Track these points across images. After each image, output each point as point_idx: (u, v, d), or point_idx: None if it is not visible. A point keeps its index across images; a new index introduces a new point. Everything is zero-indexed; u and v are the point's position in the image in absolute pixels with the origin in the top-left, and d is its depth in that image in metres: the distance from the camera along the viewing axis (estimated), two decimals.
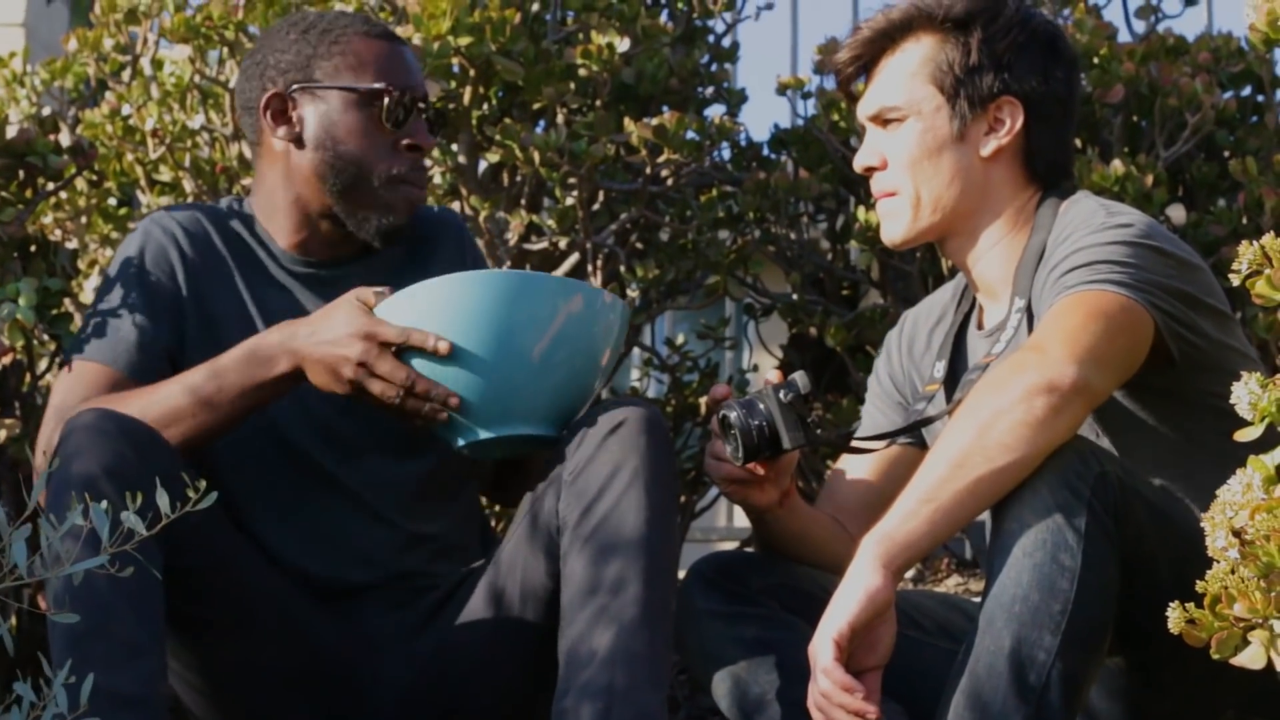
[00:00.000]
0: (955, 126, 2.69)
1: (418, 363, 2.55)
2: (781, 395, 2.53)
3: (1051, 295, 2.50)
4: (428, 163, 2.94)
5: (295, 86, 2.83)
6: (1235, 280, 1.81)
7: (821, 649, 2.31)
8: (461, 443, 2.61)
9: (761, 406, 2.54)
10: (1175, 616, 1.81)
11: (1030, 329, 2.57)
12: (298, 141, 2.84)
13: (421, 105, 2.85)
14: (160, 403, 2.62)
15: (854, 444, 2.79)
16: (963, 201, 2.70)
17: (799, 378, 2.55)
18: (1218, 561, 1.79)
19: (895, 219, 2.74)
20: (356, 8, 3.66)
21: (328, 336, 2.57)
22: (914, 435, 2.78)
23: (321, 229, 2.87)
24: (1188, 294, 2.53)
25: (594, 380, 2.64)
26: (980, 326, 2.77)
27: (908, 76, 2.72)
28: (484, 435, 2.58)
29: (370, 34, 2.85)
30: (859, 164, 2.77)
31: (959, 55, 2.69)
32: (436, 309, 2.55)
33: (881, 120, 2.75)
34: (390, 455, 2.83)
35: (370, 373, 2.55)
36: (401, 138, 2.82)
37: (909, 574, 4.11)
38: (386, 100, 2.80)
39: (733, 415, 2.54)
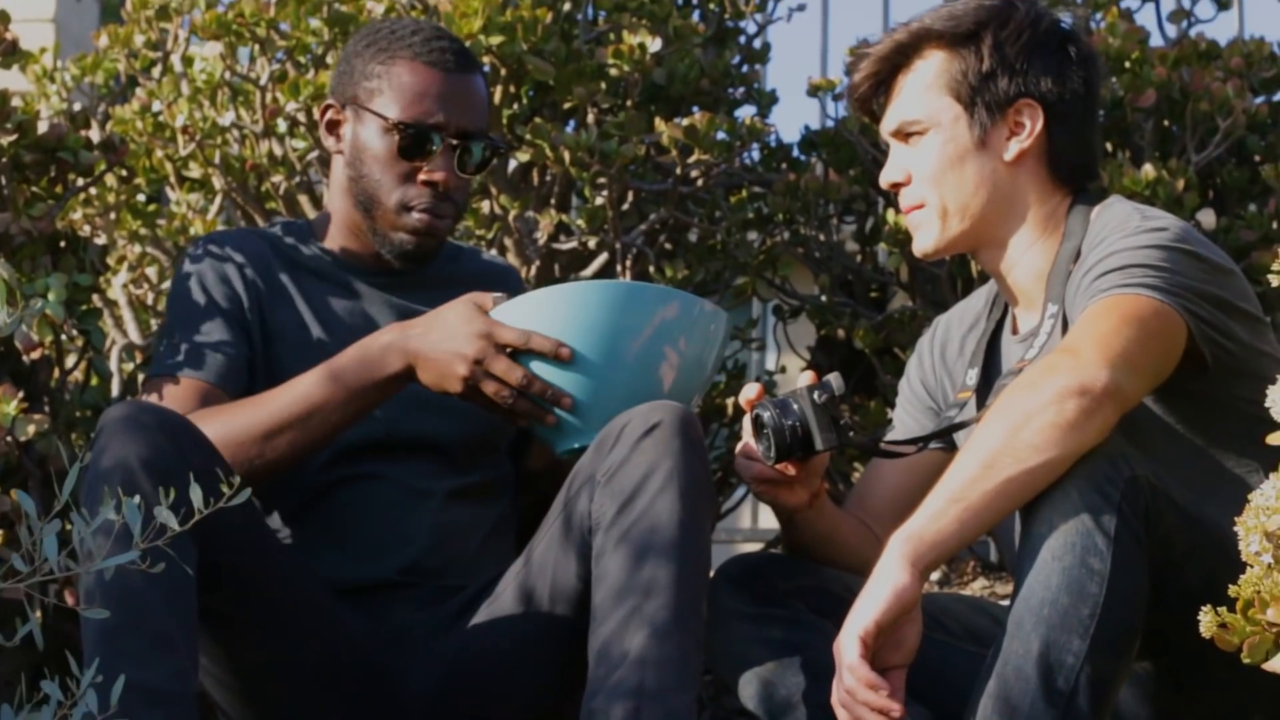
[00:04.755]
0: (976, 134, 2.69)
1: (530, 366, 2.58)
2: (815, 396, 2.53)
3: (1085, 298, 2.49)
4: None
5: (345, 101, 2.87)
6: (1275, 281, 1.81)
7: (847, 646, 2.30)
8: (566, 447, 2.64)
9: (795, 407, 2.54)
10: (1207, 620, 1.81)
11: (1064, 335, 2.56)
12: (341, 154, 2.88)
13: (454, 141, 2.83)
14: (272, 410, 2.64)
15: (884, 447, 2.78)
16: (990, 208, 2.70)
17: (833, 379, 2.55)
18: (1250, 566, 1.79)
19: (924, 230, 2.74)
20: (388, 7, 3.66)
21: (443, 335, 2.60)
22: (945, 440, 2.77)
23: (362, 240, 2.90)
24: (1221, 299, 2.53)
25: (696, 387, 2.68)
26: (1015, 332, 2.76)
27: (923, 90, 2.72)
28: (590, 440, 2.59)
29: (422, 59, 2.84)
30: (884, 181, 2.78)
31: (972, 63, 2.69)
32: (551, 316, 2.58)
33: (903, 135, 2.74)
34: (437, 460, 2.85)
35: (486, 372, 2.57)
36: (420, 170, 2.83)
37: (934, 577, 4.11)
38: (401, 134, 2.81)
39: (766, 415, 2.54)
